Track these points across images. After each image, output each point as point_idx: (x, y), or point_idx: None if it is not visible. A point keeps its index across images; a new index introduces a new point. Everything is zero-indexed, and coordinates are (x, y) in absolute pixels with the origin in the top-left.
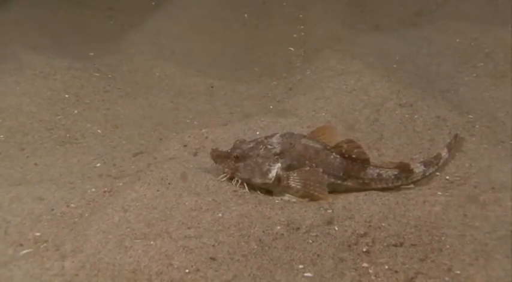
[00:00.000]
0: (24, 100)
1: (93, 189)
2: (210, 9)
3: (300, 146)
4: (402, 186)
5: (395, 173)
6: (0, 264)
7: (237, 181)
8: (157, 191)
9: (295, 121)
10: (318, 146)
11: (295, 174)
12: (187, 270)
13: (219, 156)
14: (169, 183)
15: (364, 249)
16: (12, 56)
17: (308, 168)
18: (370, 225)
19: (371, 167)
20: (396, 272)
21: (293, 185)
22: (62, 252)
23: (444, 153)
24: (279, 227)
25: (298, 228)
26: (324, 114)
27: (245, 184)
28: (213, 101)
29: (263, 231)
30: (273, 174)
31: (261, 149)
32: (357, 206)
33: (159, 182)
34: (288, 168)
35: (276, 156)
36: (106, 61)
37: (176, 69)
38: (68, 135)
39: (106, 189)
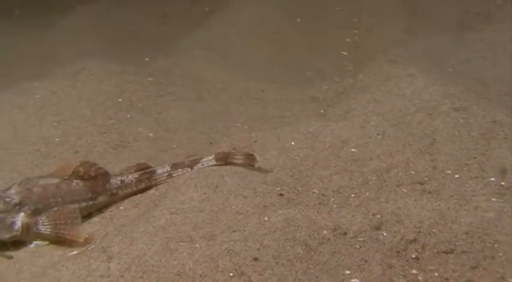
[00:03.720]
0: (79, 104)
1: (152, 191)
2: (263, 15)
3: (38, 188)
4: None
5: (136, 176)
6: (49, 264)
7: None
8: (205, 194)
9: (345, 125)
10: (56, 180)
11: (44, 218)
12: (231, 274)
13: None
14: (216, 187)
15: (414, 256)
16: (70, 61)
17: (56, 208)
18: (419, 231)
19: (113, 177)
20: (446, 279)
21: (43, 229)
22: (109, 253)
23: (206, 160)
24: (325, 232)
25: (345, 233)
26: (375, 118)
27: None
28: (264, 105)
29: (309, 236)
30: (18, 225)
31: (0, 204)
32: (406, 211)
33: (207, 185)
34: (35, 213)
35: (17, 207)
36: (159, 66)
37: (228, 74)
38: (120, 139)
39: (153, 191)
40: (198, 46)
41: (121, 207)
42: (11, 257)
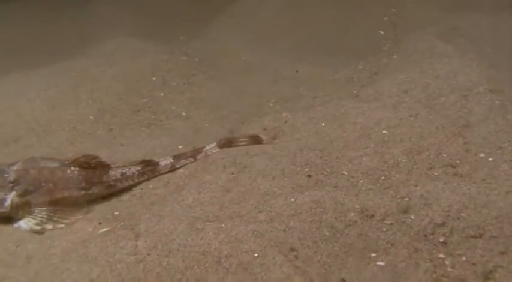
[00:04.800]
0: (113, 82)
1: (182, 170)
2: None
3: (34, 171)
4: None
5: (139, 168)
6: (79, 241)
7: None
8: (232, 174)
9: (377, 106)
10: (54, 165)
11: (36, 196)
12: (256, 254)
13: None
14: (244, 167)
15: (441, 240)
16: (105, 40)
17: (60, 196)
18: (448, 215)
19: (113, 169)
20: (474, 264)
21: (36, 208)
22: (136, 231)
23: (209, 148)
24: (352, 214)
25: (372, 216)
26: (408, 99)
27: None
28: (297, 85)
29: (335, 218)
30: (8, 202)
31: None
32: (435, 194)
33: (235, 165)
34: (25, 194)
35: (11, 184)
36: (194, 45)
37: (261, 54)
38: (153, 117)
39: (182, 170)
40: (232, 26)
41: (150, 186)
42: (42, 232)
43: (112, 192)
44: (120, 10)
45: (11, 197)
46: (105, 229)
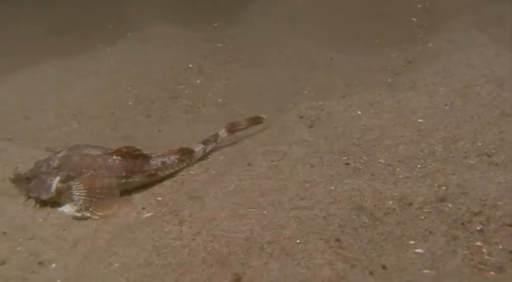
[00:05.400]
0: (151, 69)
1: (210, 157)
2: None
3: (76, 157)
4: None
5: (178, 156)
6: (124, 226)
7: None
8: (272, 162)
9: (412, 95)
10: (97, 153)
11: (76, 183)
12: (298, 241)
13: (15, 181)
14: (284, 155)
15: (478, 228)
16: (142, 28)
17: (89, 174)
18: (485, 204)
19: (153, 158)
20: (511, 252)
21: (76, 194)
22: (180, 217)
23: (221, 133)
24: (391, 202)
25: (410, 204)
26: (443, 88)
27: (38, 203)
28: (331, 73)
29: (375, 206)
30: (53, 187)
31: (44, 166)
32: (472, 183)
33: (274, 153)
34: (67, 179)
35: (55, 170)
36: (229, 32)
37: (295, 42)
38: (190, 103)
39: (222, 157)
40: (266, 13)
41: (192, 172)
42: (86, 218)
43: (153, 181)
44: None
45: (55, 182)
46: (149, 214)
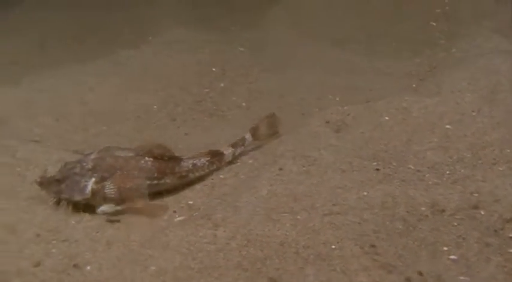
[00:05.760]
0: (175, 73)
1: (238, 161)
2: None
3: (109, 158)
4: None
5: (208, 158)
6: (157, 229)
7: (63, 203)
8: (303, 167)
9: (439, 101)
10: (129, 154)
11: (108, 183)
12: (333, 246)
13: (43, 183)
14: (314, 160)
15: (511, 235)
16: (165, 31)
17: (120, 173)
18: None
19: (184, 160)
20: None
21: (108, 192)
22: (214, 221)
23: (247, 136)
24: (423, 208)
25: (443, 211)
26: (469, 94)
27: (70, 204)
28: (353, 78)
29: (407, 212)
30: (89, 189)
31: (77, 167)
32: (503, 190)
33: (304, 158)
34: (101, 180)
35: (89, 172)
36: (248, 35)
37: (315, 45)
38: (214, 107)
39: (251, 161)
40: (284, 17)
41: (221, 176)
42: (117, 221)
43: (184, 183)
44: (174, 2)
45: (91, 183)
46: (181, 218)
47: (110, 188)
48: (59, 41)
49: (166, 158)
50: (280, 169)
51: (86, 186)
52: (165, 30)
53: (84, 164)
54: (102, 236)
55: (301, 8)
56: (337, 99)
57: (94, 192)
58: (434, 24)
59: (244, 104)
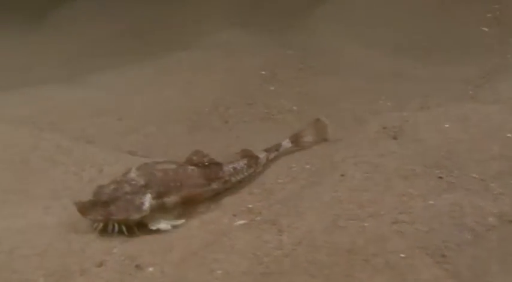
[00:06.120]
0: (225, 75)
1: (295, 166)
2: None
3: (159, 173)
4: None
5: (245, 162)
6: (219, 232)
7: (113, 225)
8: (366, 173)
9: (498, 109)
10: (173, 166)
11: (169, 196)
12: (403, 255)
13: (85, 207)
14: (376, 166)
15: None
16: (214, 32)
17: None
18: None
19: (225, 164)
20: None
21: (170, 205)
22: (279, 227)
23: (285, 142)
24: (491, 219)
25: (511, 221)
26: None
27: (123, 226)
28: (405, 82)
29: (476, 222)
30: (146, 205)
31: (126, 187)
32: None
33: (367, 164)
34: (158, 195)
35: (142, 188)
36: (297, 38)
37: (364, 49)
38: (265, 111)
39: (308, 166)
40: (333, 18)
41: (279, 180)
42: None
43: (226, 188)
44: (223, 3)
45: (148, 200)
46: (241, 222)
47: (171, 202)
48: (115, 43)
49: (206, 164)
50: (342, 175)
51: (142, 203)
52: (215, 32)
53: (133, 182)
54: (163, 238)
55: (349, 12)
56: (389, 104)
57: (153, 208)
58: (486, 29)
59: (295, 108)
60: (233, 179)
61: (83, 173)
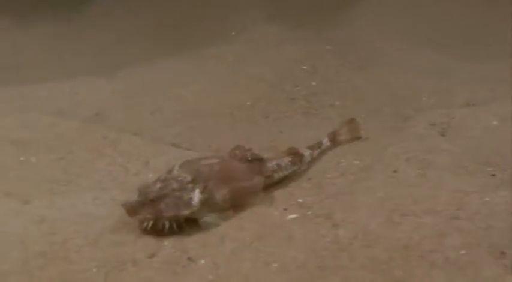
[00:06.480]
0: (265, 69)
1: (343, 161)
2: None
3: (205, 168)
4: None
5: (290, 159)
6: (271, 225)
7: (163, 224)
8: (419, 170)
9: None
10: (215, 160)
11: (219, 190)
12: (463, 252)
13: (133, 208)
14: (429, 163)
15: None
16: (250, 26)
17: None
18: None
19: (268, 160)
20: None
21: (220, 199)
22: (333, 221)
23: (324, 141)
24: None
25: None
26: None
27: (173, 223)
28: (449, 79)
29: None
30: (196, 201)
31: (173, 183)
32: None
33: (419, 161)
34: (206, 190)
35: (189, 185)
36: (335, 33)
37: (405, 44)
38: (307, 105)
39: (357, 162)
40: (371, 14)
41: (328, 175)
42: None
43: (269, 183)
44: None
45: (196, 195)
46: (293, 215)
47: (219, 196)
48: (147, 33)
49: (249, 159)
50: (395, 171)
51: (191, 198)
52: (248, 27)
53: (180, 178)
54: (214, 231)
55: (390, 7)
56: (432, 101)
57: (202, 203)
58: None
59: (338, 103)
60: (276, 176)
61: (129, 164)
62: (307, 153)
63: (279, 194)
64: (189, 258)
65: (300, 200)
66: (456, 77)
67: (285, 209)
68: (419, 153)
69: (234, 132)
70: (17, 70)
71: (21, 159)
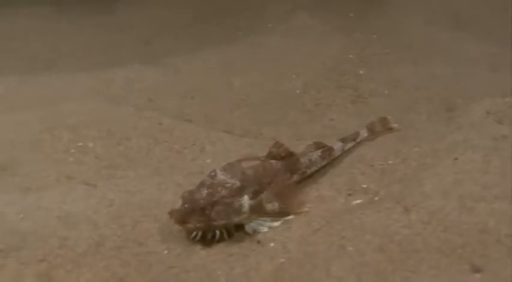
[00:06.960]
0: (312, 59)
1: (402, 148)
2: None
3: (249, 171)
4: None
5: (320, 154)
6: (338, 210)
7: (213, 233)
8: (485, 156)
9: None
10: (256, 162)
11: (267, 195)
12: None
13: (182, 216)
14: (494, 149)
15: None
16: (291, 17)
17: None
18: None
19: (301, 156)
20: None
21: (270, 205)
22: (404, 205)
23: (362, 132)
24: None
25: None
26: None
27: (224, 231)
28: (497, 70)
29: None
30: (246, 207)
31: (221, 190)
32: None
33: (484, 148)
34: (255, 194)
35: (238, 190)
36: (379, 23)
37: (451, 35)
38: (356, 94)
39: (417, 149)
40: (415, 4)
41: (390, 162)
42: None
43: (304, 179)
44: None
45: (246, 201)
46: (358, 201)
47: (266, 199)
48: (187, 23)
49: (283, 156)
50: (457, 158)
51: (241, 205)
52: (286, 17)
53: (228, 184)
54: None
55: None
56: (484, 89)
57: (252, 208)
58: None
59: (386, 92)
60: (308, 171)
61: (185, 151)
62: (337, 146)
63: (341, 180)
64: (258, 242)
65: (364, 186)
66: (506, 65)
67: (349, 195)
68: (481, 141)
69: (285, 120)
70: (64, 58)
71: (79, 144)
